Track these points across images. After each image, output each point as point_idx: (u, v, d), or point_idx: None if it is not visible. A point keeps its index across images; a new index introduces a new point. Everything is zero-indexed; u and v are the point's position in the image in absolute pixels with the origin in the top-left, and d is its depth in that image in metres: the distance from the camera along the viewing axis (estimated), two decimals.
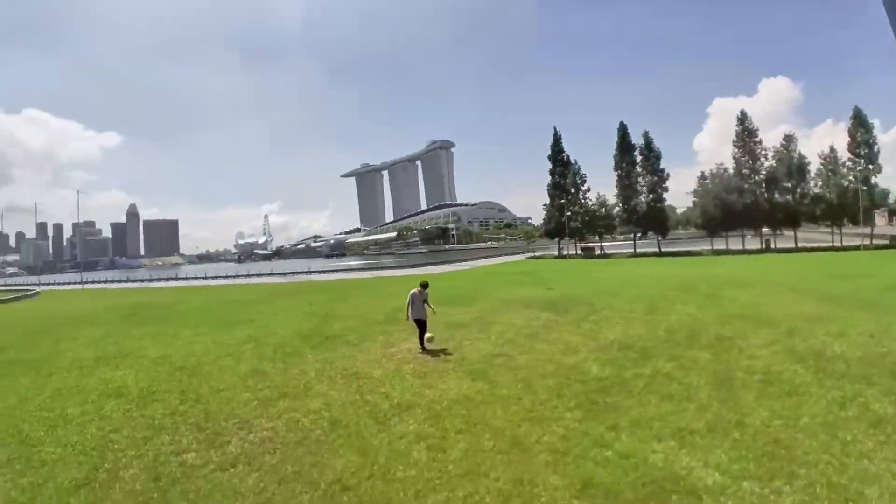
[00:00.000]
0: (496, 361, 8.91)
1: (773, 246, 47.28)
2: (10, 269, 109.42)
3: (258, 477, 4.87)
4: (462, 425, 5.92)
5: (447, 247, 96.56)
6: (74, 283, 58.94)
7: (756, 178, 49.55)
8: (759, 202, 48.51)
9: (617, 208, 55.95)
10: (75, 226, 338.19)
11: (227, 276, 53.24)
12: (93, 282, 62.07)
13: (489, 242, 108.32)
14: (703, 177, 53.78)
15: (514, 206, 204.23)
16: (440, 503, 4.25)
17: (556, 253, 58.10)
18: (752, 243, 50.50)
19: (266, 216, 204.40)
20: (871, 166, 45.21)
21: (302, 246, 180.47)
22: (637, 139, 54.19)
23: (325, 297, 22.00)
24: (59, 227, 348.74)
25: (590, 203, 57.14)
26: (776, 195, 48.58)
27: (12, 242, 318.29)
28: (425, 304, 10.45)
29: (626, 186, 54.02)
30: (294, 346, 11.07)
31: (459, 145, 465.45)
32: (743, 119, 50.98)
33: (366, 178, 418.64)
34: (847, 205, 44.75)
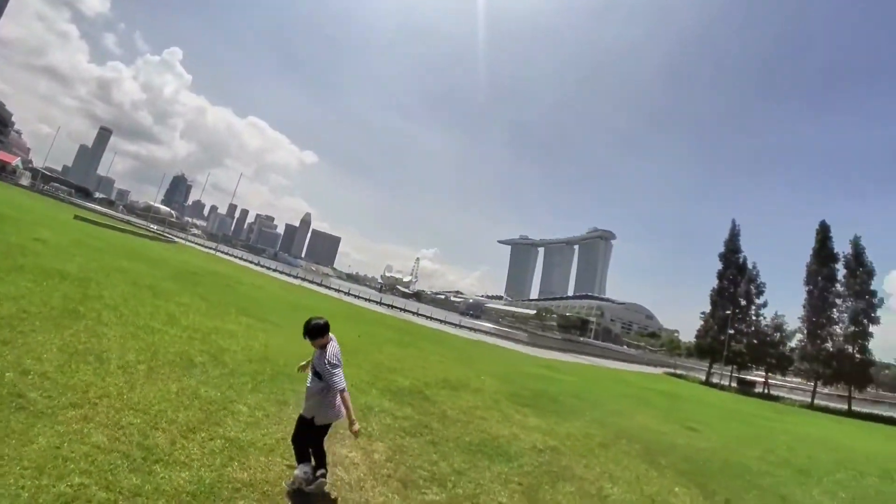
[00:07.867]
0: None
1: None
2: (195, 231, 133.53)
3: None
4: None
5: (583, 339, 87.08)
6: (233, 256, 65.77)
7: None
8: None
9: (799, 337, 41.41)
10: (258, 216, 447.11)
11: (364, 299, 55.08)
12: (251, 261, 66.70)
13: (625, 347, 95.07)
14: None
15: (662, 317, 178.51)
16: None
17: (702, 377, 45.11)
18: None
19: (418, 259, 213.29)
20: None
21: (442, 297, 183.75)
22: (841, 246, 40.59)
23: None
24: (245, 213, 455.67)
25: (763, 323, 43.92)
26: None
27: (206, 212, 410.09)
28: (322, 392, 3.82)
29: (818, 309, 39.53)
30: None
31: (621, 239, 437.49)
32: None
33: (521, 250, 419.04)
34: None
